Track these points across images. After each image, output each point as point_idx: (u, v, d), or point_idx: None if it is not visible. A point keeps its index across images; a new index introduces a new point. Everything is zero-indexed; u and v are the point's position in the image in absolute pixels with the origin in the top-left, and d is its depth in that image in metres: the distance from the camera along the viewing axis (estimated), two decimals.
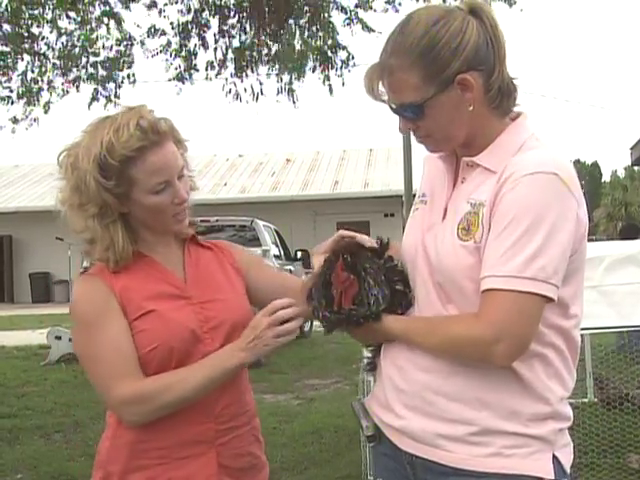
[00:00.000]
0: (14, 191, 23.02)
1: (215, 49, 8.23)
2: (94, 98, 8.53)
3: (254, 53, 8.26)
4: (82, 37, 8.11)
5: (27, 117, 8.53)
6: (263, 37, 8.07)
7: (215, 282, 1.67)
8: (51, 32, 8.04)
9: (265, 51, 8.31)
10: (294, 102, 8.64)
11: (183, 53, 8.28)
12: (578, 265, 1.39)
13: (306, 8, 7.74)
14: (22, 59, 8.20)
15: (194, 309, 1.60)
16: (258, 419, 1.73)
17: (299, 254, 11.66)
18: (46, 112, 8.54)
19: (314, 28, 7.98)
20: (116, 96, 8.53)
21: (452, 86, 1.36)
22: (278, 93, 8.55)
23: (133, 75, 8.63)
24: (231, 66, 8.31)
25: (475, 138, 1.43)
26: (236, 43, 8.23)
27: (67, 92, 8.58)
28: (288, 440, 5.26)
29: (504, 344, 1.30)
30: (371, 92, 1.40)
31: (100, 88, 8.47)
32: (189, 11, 8.06)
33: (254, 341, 1.51)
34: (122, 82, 8.55)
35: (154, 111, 1.58)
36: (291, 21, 7.90)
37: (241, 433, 1.64)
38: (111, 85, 8.50)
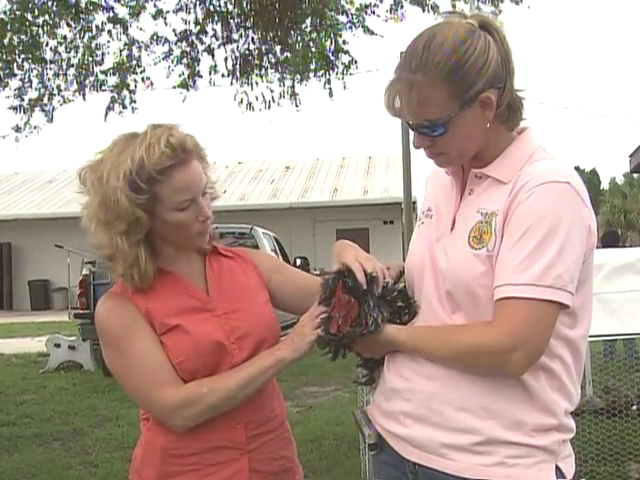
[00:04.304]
0: (13, 198, 23.00)
1: (225, 59, 8.24)
2: (110, 108, 8.37)
3: (263, 59, 8.27)
4: (85, 45, 8.06)
5: (28, 125, 8.40)
6: (269, 43, 8.08)
7: (238, 291, 1.68)
8: (55, 40, 8.00)
9: (272, 57, 8.31)
10: (297, 106, 8.68)
11: (185, 60, 8.27)
12: (587, 275, 1.40)
13: (309, 11, 7.75)
14: (29, 69, 8.12)
15: (219, 321, 1.62)
16: (288, 423, 1.75)
17: (298, 261, 11.65)
18: (50, 121, 8.46)
19: (317, 33, 8.01)
20: (133, 101, 8.39)
21: (474, 104, 1.37)
22: (280, 97, 8.57)
23: (148, 78, 8.45)
24: (239, 73, 8.31)
25: (484, 151, 1.44)
26: (241, 50, 8.25)
27: (71, 100, 8.47)
28: None
29: (520, 352, 1.31)
30: (391, 107, 1.39)
31: (115, 95, 8.31)
32: (196, 24, 8.05)
33: (294, 338, 1.56)
34: (136, 87, 8.41)
35: (181, 127, 1.58)
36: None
37: (272, 438, 1.66)
38: (125, 92, 8.34)
